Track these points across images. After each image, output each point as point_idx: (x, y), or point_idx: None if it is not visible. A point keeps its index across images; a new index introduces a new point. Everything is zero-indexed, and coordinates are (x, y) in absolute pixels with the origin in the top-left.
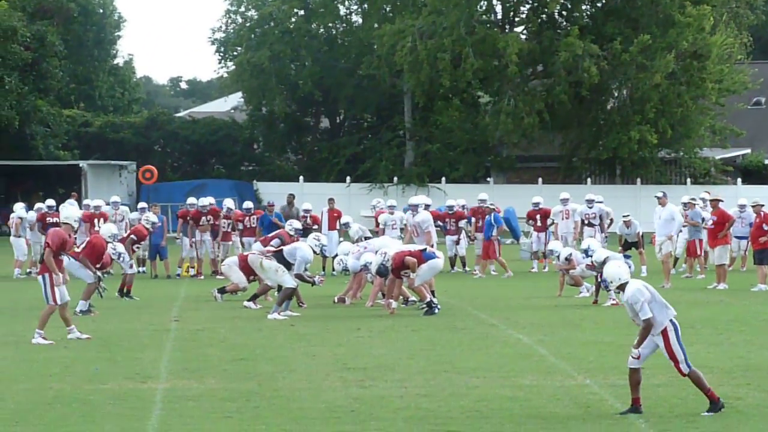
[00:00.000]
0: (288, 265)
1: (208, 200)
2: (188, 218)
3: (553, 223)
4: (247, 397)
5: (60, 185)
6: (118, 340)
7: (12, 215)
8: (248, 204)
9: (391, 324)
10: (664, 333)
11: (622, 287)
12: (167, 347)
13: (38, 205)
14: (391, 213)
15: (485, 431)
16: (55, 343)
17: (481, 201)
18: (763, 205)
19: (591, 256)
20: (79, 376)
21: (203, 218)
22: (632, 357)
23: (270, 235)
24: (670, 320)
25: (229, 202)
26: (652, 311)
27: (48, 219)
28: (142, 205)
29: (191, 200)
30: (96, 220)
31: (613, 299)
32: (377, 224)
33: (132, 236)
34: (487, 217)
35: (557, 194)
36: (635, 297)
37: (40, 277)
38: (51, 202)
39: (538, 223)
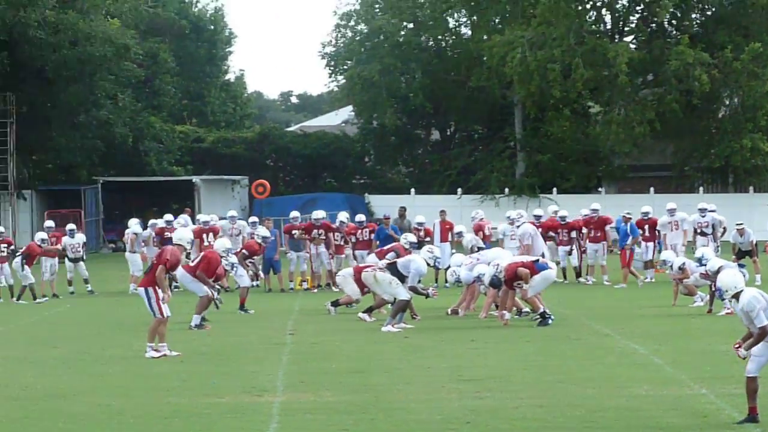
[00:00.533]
0: (402, 278)
1: (320, 213)
2: (293, 232)
3: (659, 233)
4: (363, 409)
5: (174, 201)
6: (233, 354)
7: (127, 231)
8: (360, 217)
9: (505, 335)
10: None
11: (737, 296)
12: (283, 360)
13: (152, 221)
14: (511, 224)
15: None
16: (168, 354)
17: (593, 211)
18: None
19: (705, 265)
20: (196, 390)
21: (315, 231)
22: (740, 356)
23: (386, 247)
24: None
25: (342, 215)
26: None
27: (166, 234)
28: (253, 219)
29: (294, 214)
30: (205, 235)
31: (728, 308)
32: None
33: (244, 251)
34: (623, 226)
35: (668, 203)
36: (751, 305)
37: (142, 290)
38: (169, 216)
39: (647, 233)
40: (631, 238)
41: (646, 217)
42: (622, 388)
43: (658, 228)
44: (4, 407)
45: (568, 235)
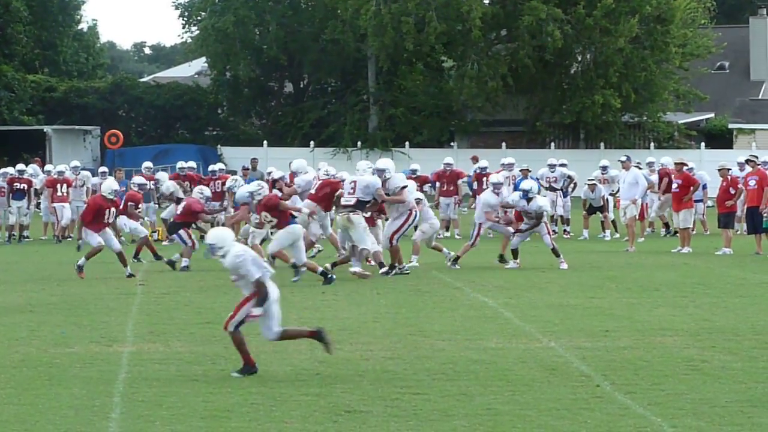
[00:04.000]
0: None
1: (189, 165)
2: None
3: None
4: (212, 360)
5: (24, 150)
6: (83, 304)
7: None
8: (214, 167)
9: (355, 288)
10: None
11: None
12: (133, 311)
13: (4, 170)
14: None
15: (452, 393)
16: None
17: (446, 165)
18: (729, 169)
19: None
20: (46, 339)
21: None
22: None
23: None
24: None
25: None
26: None
27: (16, 184)
28: (103, 169)
29: (147, 164)
30: (59, 186)
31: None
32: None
33: (129, 203)
34: (522, 179)
35: (522, 158)
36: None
37: None
38: (21, 166)
39: (484, 187)
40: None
41: (482, 172)
42: (471, 340)
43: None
44: None
45: (420, 189)
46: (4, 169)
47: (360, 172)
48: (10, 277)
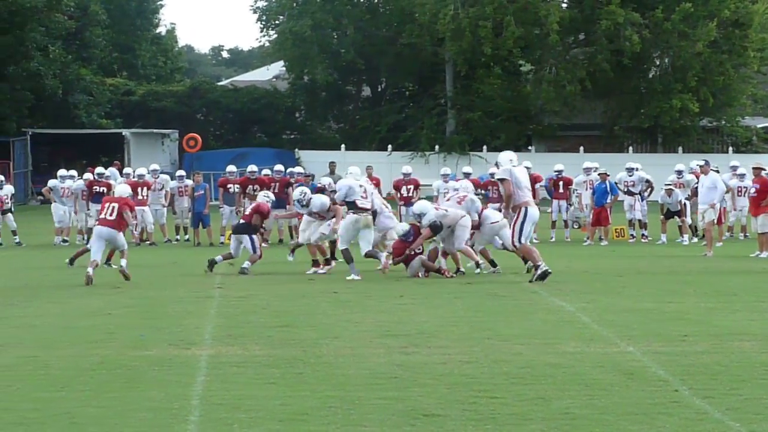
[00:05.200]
0: None
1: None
2: (228, 186)
3: (575, 192)
4: (290, 363)
5: (103, 153)
6: (161, 307)
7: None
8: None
9: (433, 292)
10: None
11: None
12: (211, 314)
13: (86, 174)
14: (446, 182)
15: (529, 397)
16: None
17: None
18: None
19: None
20: (124, 342)
21: (249, 186)
22: None
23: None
24: None
25: (279, 168)
26: None
27: (95, 188)
28: (181, 172)
29: (230, 168)
30: (139, 189)
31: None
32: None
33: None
34: (601, 184)
35: (599, 162)
36: None
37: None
38: (100, 170)
39: (560, 191)
40: (611, 196)
41: (559, 176)
42: (549, 345)
43: (573, 187)
44: None
45: (499, 192)
46: (86, 174)
47: (354, 175)
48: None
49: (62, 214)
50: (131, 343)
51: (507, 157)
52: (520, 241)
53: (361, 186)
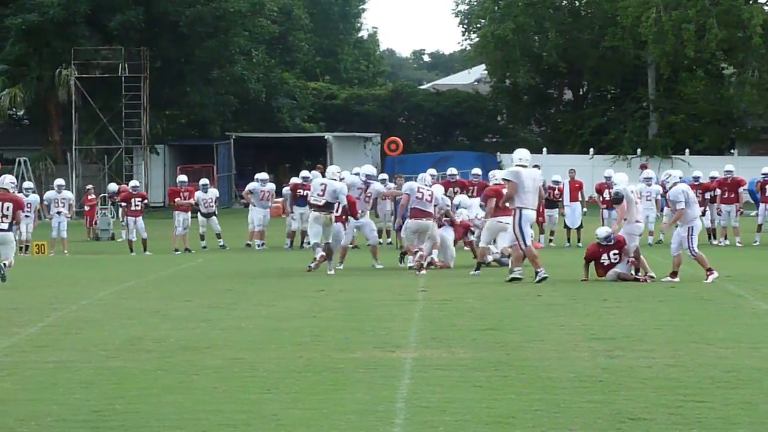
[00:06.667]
0: None
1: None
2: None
3: None
4: (495, 366)
5: (306, 157)
6: (365, 310)
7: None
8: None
9: (637, 295)
10: None
11: None
12: (415, 317)
13: (294, 179)
14: (648, 185)
15: (735, 401)
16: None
17: (727, 172)
18: None
19: None
20: (329, 344)
21: (450, 189)
22: None
23: None
24: None
25: (476, 171)
26: None
27: (299, 191)
28: (383, 176)
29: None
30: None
31: None
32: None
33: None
34: None
35: None
36: None
37: None
38: (305, 173)
39: (767, 194)
40: None
41: (766, 178)
42: (756, 349)
43: None
44: (137, 359)
45: (702, 197)
46: (294, 179)
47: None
48: (294, 283)
49: (261, 218)
50: (336, 345)
51: (517, 155)
52: (526, 244)
53: (419, 189)
